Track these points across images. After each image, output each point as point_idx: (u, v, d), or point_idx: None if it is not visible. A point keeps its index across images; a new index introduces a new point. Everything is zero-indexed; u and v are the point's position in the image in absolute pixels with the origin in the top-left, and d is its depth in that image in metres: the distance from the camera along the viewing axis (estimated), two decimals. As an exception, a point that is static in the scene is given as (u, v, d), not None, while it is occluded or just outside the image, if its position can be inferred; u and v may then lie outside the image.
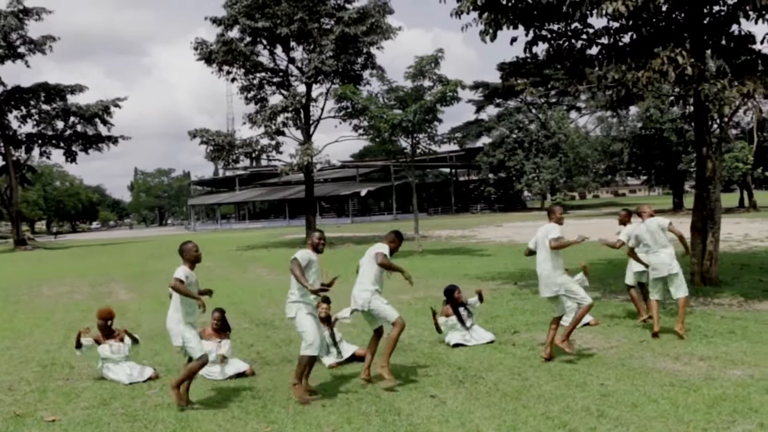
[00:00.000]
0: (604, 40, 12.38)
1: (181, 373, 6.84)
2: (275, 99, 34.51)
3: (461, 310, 8.94)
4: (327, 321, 8.32)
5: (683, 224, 14.87)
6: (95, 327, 8.18)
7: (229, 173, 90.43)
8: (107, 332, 8.04)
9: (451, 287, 9.22)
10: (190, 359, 6.81)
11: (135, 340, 8.19)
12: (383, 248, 7.31)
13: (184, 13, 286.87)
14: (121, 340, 8.03)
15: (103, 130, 47.18)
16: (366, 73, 34.15)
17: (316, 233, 7.35)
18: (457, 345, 8.72)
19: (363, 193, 73.45)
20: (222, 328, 8.13)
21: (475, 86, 74.25)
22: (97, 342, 7.97)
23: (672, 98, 14.16)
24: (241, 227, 77.13)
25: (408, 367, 7.90)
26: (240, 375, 7.78)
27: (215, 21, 33.15)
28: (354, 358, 8.23)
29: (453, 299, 9.04)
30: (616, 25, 11.98)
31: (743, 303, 10.75)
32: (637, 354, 7.88)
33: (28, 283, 20.23)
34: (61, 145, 47.17)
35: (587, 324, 9.66)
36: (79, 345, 7.95)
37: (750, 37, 11.80)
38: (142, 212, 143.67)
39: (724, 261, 14.85)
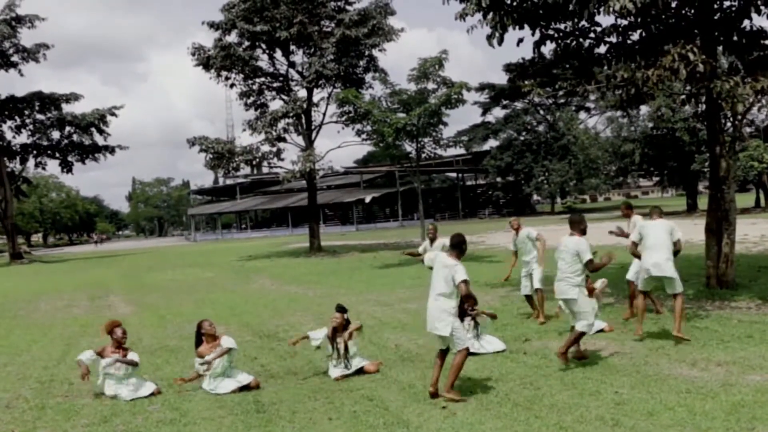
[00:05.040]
0: (613, 39, 12.15)
1: (450, 375, 6.72)
2: (275, 104, 34.34)
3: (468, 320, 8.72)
4: (343, 331, 8.15)
5: (698, 226, 14.63)
6: (104, 338, 8.00)
7: (229, 181, 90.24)
8: (116, 346, 7.86)
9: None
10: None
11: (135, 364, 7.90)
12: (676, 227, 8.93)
13: (180, 17, 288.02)
14: (125, 356, 7.86)
15: (100, 140, 46.60)
16: (368, 77, 33.89)
17: (581, 219, 8.10)
18: (466, 354, 8.51)
19: (367, 199, 73.03)
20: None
21: (481, 88, 73.93)
22: (101, 355, 7.79)
23: (683, 97, 13.91)
24: (242, 237, 76.64)
25: (416, 377, 7.71)
26: (244, 388, 7.61)
27: (212, 25, 32.95)
28: (361, 371, 8.01)
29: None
30: (624, 22, 11.76)
31: (761, 306, 10.48)
32: (652, 360, 7.69)
33: (25, 298, 20.00)
34: (57, 155, 46.65)
35: (601, 330, 9.47)
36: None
37: (762, 33, 11.57)
38: (141, 223, 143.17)
39: (741, 263, 14.58)
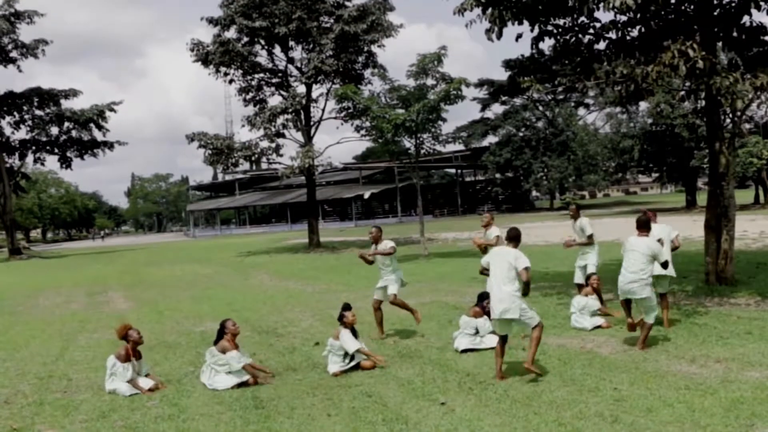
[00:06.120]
0: (612, 35, 12.13)
1: (531, 349, 7.23)
2: (274, 100, 34.22)
3: (483, 319, 8.76)
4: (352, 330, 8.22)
5: (697, 222, 14.61)
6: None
7: (228, 177, 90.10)
8: (134, 348, 7.88)
9: (485, 293, 9.02)
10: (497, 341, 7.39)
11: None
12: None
13: (179, 13, 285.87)
14: (139, 357, 7.90)
15: (99, 136, 46.48)
16: (367, 72, 33.86)
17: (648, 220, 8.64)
18: (465, 351, 8.54)
19: (366, 195, 72.99)
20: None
21: (480, 84, 73.74)
22: (125, 359, 7.77)
23: (683, 93, 13.92)
24: (241, 232, 76.69)
25: (415, 374, 7.71)
26: (243, 384, 7.60)
27: (211, 21, 32.85)
28: (358, 367, 8.03)
29: (482, 306, 8.83)
30: (623, 18, 11.73)
31: (760, 302, 10.49)
32: (651, 357, 7.69)
33: (24, 294, 20.01)
34: (56, 151, 46.57)
35: (599, 327, 9.49)
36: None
37: (762, 29, 11.53)
38: (140, 218, 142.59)
39: (740, 259, 14.61)
